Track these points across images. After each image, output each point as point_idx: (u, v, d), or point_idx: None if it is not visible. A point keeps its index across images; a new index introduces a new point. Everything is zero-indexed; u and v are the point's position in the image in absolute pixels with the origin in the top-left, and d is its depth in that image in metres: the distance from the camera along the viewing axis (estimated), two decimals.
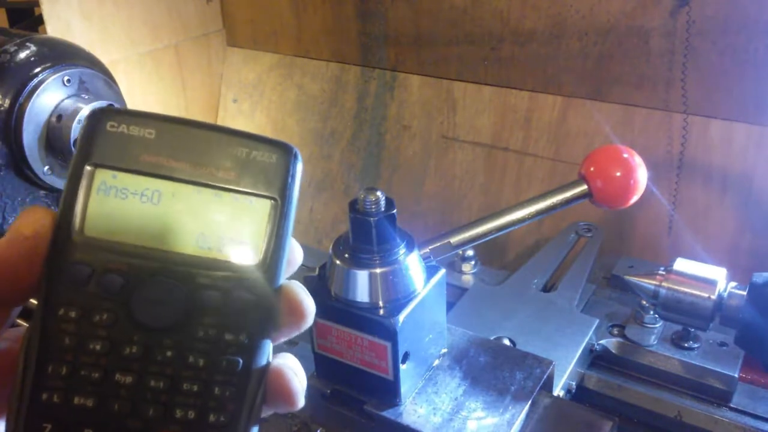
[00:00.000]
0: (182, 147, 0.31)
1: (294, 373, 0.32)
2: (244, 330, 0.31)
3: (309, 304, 0.32)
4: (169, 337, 0.30)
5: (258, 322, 0.31)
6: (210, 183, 0.31)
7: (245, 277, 0.31)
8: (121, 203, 0.31)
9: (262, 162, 0.31)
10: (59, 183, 0.79)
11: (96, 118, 0.31)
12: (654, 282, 0.67)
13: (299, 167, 0.32)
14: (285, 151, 0.32)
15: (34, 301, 0.31)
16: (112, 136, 0.31)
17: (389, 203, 0.54)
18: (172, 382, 0.30)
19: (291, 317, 0.32)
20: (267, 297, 0.31)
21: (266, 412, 0.32)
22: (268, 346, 0.31)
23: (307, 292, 0.32)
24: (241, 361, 0.30)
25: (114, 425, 0.29)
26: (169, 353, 0.30)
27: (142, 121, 0.31)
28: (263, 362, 0.31)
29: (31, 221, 0.30)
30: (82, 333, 0.29)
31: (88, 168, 0.30)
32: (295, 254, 0.33)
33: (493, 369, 0.62)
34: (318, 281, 0.58)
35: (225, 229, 0.31)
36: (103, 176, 0.31)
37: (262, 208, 0.31)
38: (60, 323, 0.29)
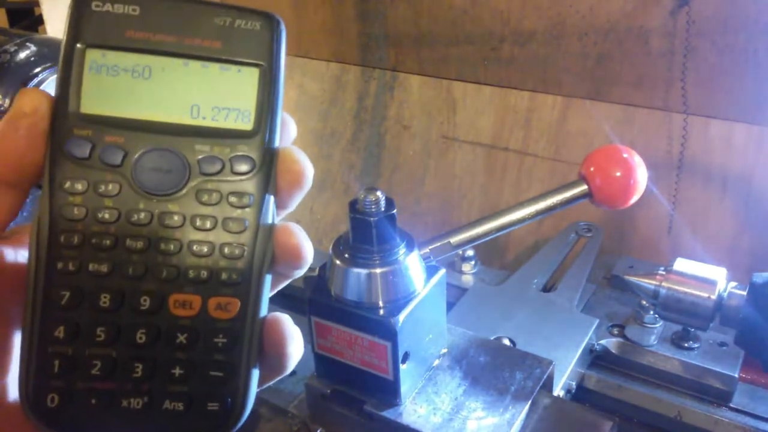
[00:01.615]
0: (167, 21, 0.31)
1: (299, 230, 0.33)
2: (246, 191, 0.31)
3: (307, 165, 0.33)
4: (174, 203, 0.31)
5: (259, 182, 0.32)
6: (198, 54, 0.32)
7: (242, 141, 0.32)
8: (113, 80, 0.31)
9: (246, 30, 0.32)
10: None
11: (80, 0, 0.32)
12: (654, 282, 0.67)
13: (284, 34, 0.33)
14: (268, 19, 0.32)
15: None
16: (97, 16, 0.31)
17: (389, 203, 0.54)
18: (182, 245, 0.31)
19: (290, 178, 0.33)
20: (265, 157, 0.32)
21: (281, 279, 0.34)
22: (272, 204, 0.32)
23: (306, 156, 0.33)
24: (246, 220, 0.31)
25: (129, 288, 0.30)
26: (176, 218, 0.31)
27: None
28: (268, 220, 0.32)
29: (29, 100, 0.31)
30: (90, 204, 0.30)
31: (78, 48, 0.31)
32: (288, 123, 0.33)
33: (493, 369, 0.62)
34: (318, 281, 0.58)
35: (217, 98, 0.32)
36: (93, 55, 0.31)
37: (251, 74, 0.32)
38: (67, 196, 0.30)
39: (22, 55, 0.73)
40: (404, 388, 0.58)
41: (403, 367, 0.56)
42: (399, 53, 1.19)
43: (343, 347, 0.58)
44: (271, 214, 0.32)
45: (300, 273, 0.33)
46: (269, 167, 0.32)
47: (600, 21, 0.97)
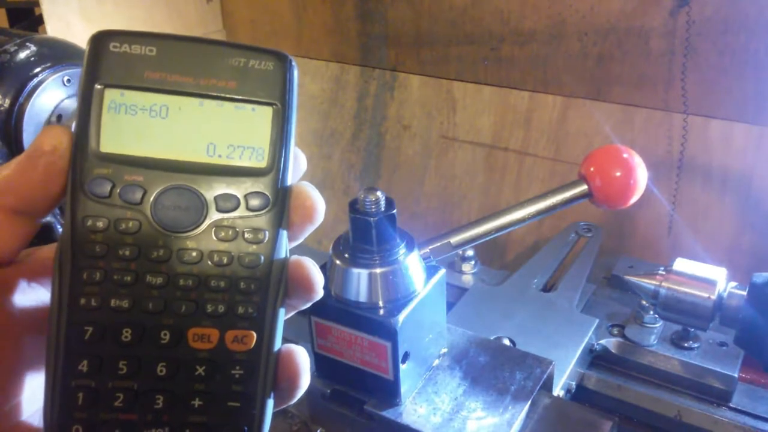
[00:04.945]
0: (183, 62, 0.33)
1: (312, 264, 0.34)
2: (260, 227, 0.33)
3: (319, 201, 0.34)
4: (192, 240, 0.32)
5: (273, 218, 0.33)
6: (213, 94, 0.33)
7: (257, 179, 0.33)
8: (131, 119, 0.32)
9: (260, 70, 0.33)
10: None
11: (99, 40, 0.32)
12: (654, 282, 0.67)
13: (296, 74, 0.34)
14: (281, 59, 0.33)
15: None
16: (115, 56, 0.32)
17: (389, 203, 0.54)
18: (200, 281, 0.32)
19: (303, 213, 0.34)
20: (279, 194, 0.33)
21: (290, 310, 0.35)
22: (285, 239, 0.33)
23: (318, 192, 0.34)
24: (262, 256, 0.33)
25: (150, 323, 0.31)
26: (194, 254, 0.32)
27: (143, 40, 0.32)
28: (282, 255, 0.33)
29: (50, 138, 0.32)
30: (111, 241, 0.31)
31: (97, 88, 0.32)
32: (299, 158, 0.35)
33: (493, 369, 0.62)
34: None
35: (232, 136, 0.33)
36: (112, 95, 0.32)
37: (265, 113, 0.33)
38: (89, 234, 0.31)
39: (22, 55, 0.73)
40: (404, 388, 0.58)
41: (403, 367, 0.56)
42: (399, 53, 1.19)
43: (343, 347, 0.58)
44: (285, 249, 0.33)
45: (309, 304, 0.35)
46: (283, 203, 0.33)
47: (600, 21, 0.97)
